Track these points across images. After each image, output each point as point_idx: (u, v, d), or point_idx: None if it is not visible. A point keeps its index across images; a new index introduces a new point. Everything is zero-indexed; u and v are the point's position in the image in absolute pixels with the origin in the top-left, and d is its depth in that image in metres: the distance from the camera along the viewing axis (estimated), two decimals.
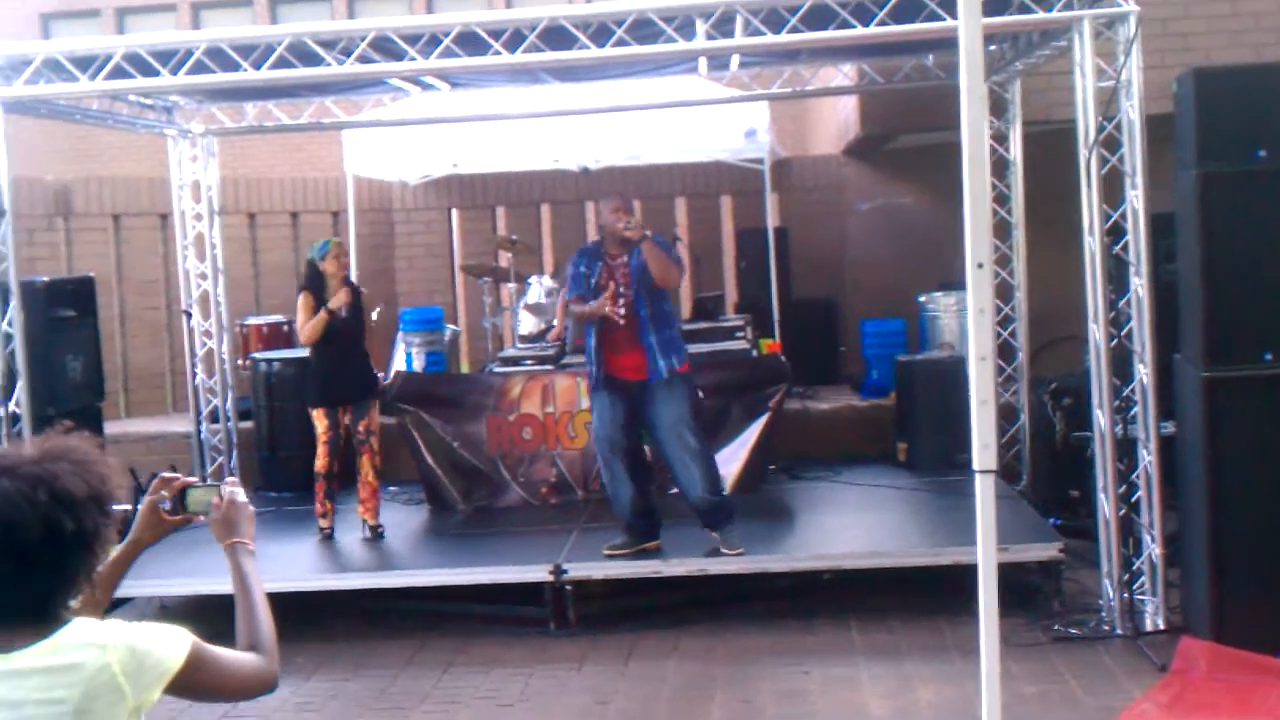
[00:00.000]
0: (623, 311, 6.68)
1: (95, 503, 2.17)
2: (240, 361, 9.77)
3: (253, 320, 10.26)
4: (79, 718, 2.09)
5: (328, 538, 7.61)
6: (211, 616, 6.59)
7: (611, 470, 6.88)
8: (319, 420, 7.56)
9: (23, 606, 2.14)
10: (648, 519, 6.91)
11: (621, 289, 6.66)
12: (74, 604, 2.20)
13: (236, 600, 2.50)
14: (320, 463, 7.55)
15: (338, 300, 7.46)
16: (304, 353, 9.26)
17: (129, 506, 2.94)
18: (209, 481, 2.67)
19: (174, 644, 2.22)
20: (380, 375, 8.83)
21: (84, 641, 2.13)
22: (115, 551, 2.45)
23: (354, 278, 9.84)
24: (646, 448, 7.09)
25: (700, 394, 7.35)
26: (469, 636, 6.65)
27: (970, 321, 3.53)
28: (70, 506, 2.13)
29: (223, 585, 7.43)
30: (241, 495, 2.61)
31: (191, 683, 2.23)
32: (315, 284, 7.53)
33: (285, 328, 10.25)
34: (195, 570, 6.76)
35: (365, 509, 7.64)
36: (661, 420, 6.71)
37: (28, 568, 2.12)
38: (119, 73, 6.68)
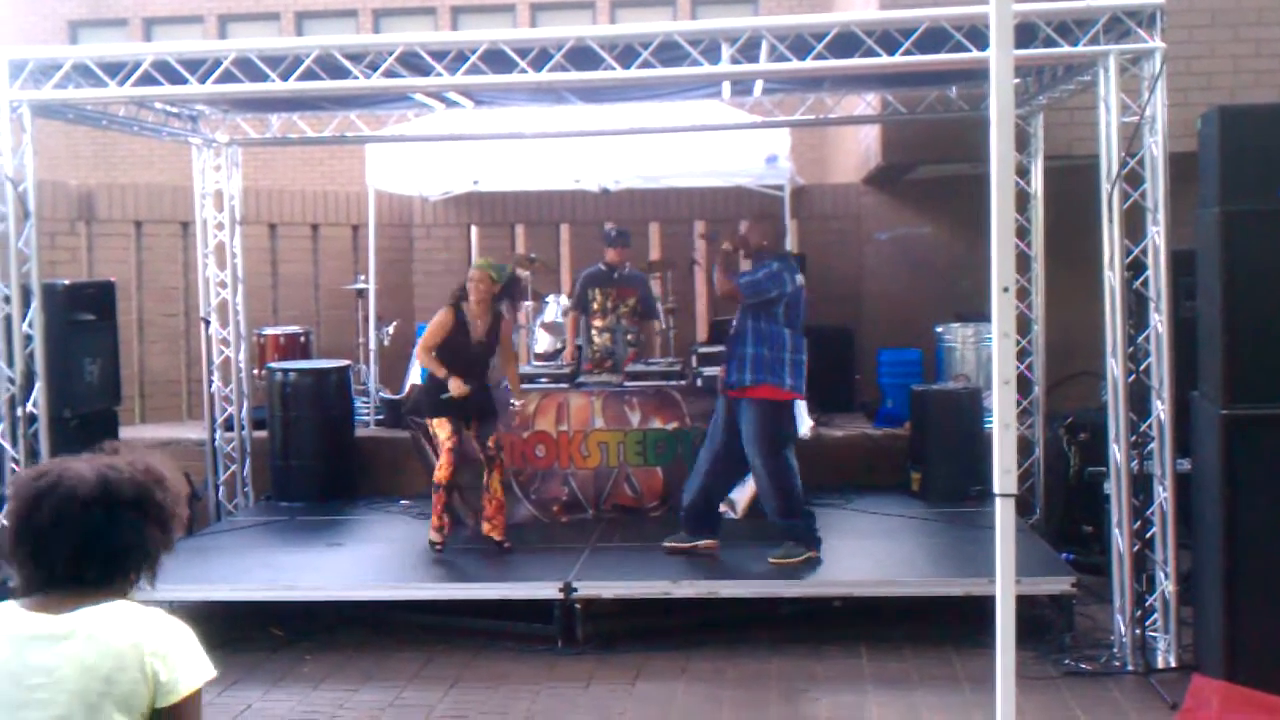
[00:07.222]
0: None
1: (177, 520, 2.46)
2: (256, 371, 9.79)
3: (270, 330, 10.28)
4: (107, 685, 2.22)
5: (440, 550, 7.45)
6: (217, 623, 6.59)
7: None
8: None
9: (98, 566, 2.32)
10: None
11: None
12: (131, 590, 2.37)
13: None
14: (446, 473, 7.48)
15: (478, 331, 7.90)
16: (326, 364, 9.62)
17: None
18: None
19: (200, 670, 2.33)
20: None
21: (127, 619, 2.29)
22: None
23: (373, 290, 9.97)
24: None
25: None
26: (477, 651, 6.64)
27: (995, 345, 3.52)
28: (165, 490, 2.41)
29: (229, 593, 7.47)
30: None
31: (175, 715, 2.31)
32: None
33: (302, 338, 10.28)
34: (202, 577, 6.82)
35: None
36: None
37: (113, 526, 2.31)
38: (147, 80, 6.72)
